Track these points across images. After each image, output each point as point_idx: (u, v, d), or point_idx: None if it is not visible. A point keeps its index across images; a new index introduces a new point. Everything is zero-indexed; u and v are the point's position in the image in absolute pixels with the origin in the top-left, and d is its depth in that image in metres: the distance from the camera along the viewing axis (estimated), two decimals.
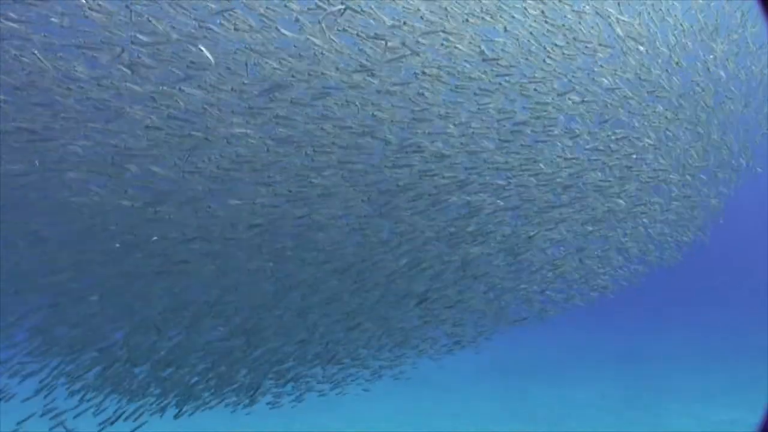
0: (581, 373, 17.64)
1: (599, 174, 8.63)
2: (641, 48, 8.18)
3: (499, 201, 7.87)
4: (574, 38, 7.69)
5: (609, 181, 8.59)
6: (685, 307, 36.35)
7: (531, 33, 7.46)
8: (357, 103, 6.94)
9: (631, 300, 35.18)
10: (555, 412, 13.13)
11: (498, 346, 22.30)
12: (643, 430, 11.61)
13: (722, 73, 9.24)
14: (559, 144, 8.21)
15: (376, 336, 7.96)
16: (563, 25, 7.61)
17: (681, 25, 8.47)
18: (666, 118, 8.82)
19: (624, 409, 13.30)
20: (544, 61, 7.67)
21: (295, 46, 6.67)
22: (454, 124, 7.41)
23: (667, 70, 8.62)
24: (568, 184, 8.27)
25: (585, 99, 8.09)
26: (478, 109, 7.54)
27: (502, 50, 7.47)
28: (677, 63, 8.46)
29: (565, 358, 20.41)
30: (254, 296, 7.15)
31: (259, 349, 7.33)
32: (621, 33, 8.05)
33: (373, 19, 6.68)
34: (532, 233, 8.17)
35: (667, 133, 9.11)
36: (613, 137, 8.54)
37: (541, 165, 7.99)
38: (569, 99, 7.97)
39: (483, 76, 7.40)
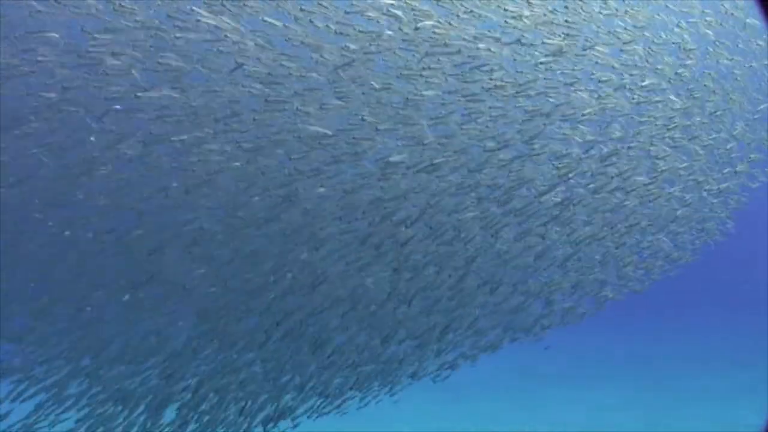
0: (603, 375, 17.53)
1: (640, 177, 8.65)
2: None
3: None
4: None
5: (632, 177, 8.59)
6: (707, 308, 35.93)
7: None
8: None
9: (651, 301, 34.83)
10: (576, 415, 13.08)
11: (518, 348, 22.21)
12: None
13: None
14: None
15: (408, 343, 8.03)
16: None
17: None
18: (681, 109, 8.76)
19: (647, 412, 13.21)
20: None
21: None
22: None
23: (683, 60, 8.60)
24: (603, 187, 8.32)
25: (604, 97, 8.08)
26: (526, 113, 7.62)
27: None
28: (688, 50, 8.42)
29: (587, 361, 20.29)
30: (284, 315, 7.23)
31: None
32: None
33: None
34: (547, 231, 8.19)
35: (687, 124, 9.07)
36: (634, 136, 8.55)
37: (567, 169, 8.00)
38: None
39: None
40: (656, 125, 8.70)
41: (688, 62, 8.69)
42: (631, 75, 8.27)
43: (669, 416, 12.76)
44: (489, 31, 7.29)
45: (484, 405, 14.21)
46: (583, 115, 7.88)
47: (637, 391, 15.40)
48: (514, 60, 7.53)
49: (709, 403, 13.74)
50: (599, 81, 8.01)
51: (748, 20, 8.94)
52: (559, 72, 7.79)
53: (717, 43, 8.96)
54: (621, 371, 18.19)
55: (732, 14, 8.77)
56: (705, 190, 9.94)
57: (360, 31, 6.68)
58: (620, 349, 22.61)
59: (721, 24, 8.79)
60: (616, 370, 18.49)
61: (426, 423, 12.70)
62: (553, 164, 7.95)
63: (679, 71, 8.64)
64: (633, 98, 8.34)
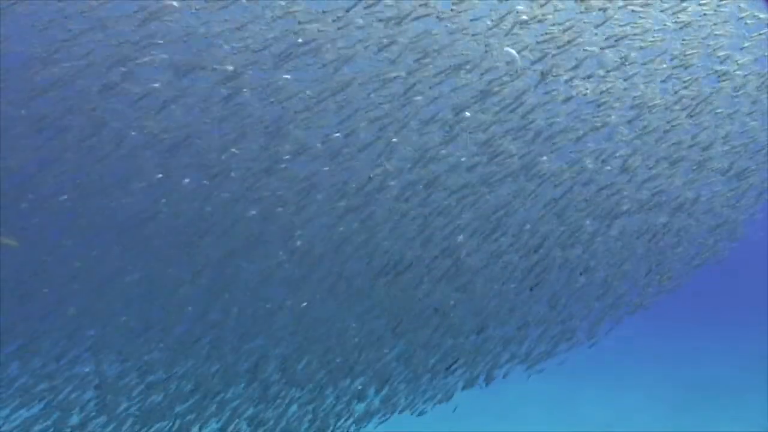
0: (629, 374, 17.46)
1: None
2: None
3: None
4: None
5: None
6: (740, 307, 35.33)
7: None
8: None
9: (681, 299, 34.38)
10: (602, 415, 13.09)
11: None
12: None
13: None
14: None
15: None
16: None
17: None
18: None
19: (674, 413, 13.18)
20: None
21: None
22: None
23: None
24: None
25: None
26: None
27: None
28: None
29: (613, 359, 20.20)
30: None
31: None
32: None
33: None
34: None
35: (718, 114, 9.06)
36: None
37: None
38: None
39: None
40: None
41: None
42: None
43: (701, 417, 12.68)
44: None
45: (513, 405, 14.30)
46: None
47: (666, 391, 15.32)
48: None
49: (744, 405, 13.62)
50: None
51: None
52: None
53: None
54: (652, 369, 18.09)
55: None
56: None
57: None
58: (654, 346, 22.45)
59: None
60: (647, 368, 18.39)
61: (454, 422, 12.85)
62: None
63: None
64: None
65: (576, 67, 7.58)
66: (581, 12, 7.29)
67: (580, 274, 8.22)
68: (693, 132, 9.03)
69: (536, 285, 7.97)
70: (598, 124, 7.99)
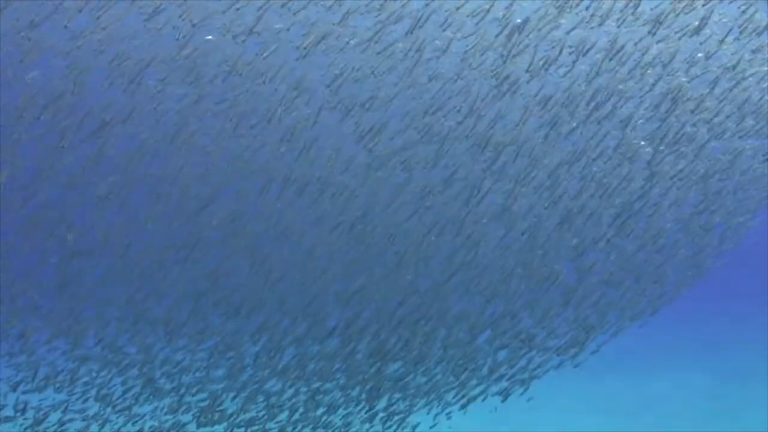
0: (659, 363, 17.33)
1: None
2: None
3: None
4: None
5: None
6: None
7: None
8: None
9: (711, 287, 33.85)
10: (631, 404, 13.04)
11: None
12: (725, 425, 11.37)
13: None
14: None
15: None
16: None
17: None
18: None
19: (705, 402, 13.07)
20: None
21: None
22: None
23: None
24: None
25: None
26: None
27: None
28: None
29: (642, 348, 20.05)
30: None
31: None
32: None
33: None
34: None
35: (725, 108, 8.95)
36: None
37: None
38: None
39: None
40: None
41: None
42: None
43: (732, 405, 12.56)
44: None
45: (542, 394, 14.31)
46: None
47: (697, 380, 15.18)
48: None
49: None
50: None
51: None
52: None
53: None
54: (682, 358, 17.92)
55: None
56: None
57: None
58: (685, 334, 22.22)
59: None
60: (677, 356, 18.23)
61: (482, 413, 12.93)
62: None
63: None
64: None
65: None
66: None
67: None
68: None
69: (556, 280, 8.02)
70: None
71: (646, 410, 12.50)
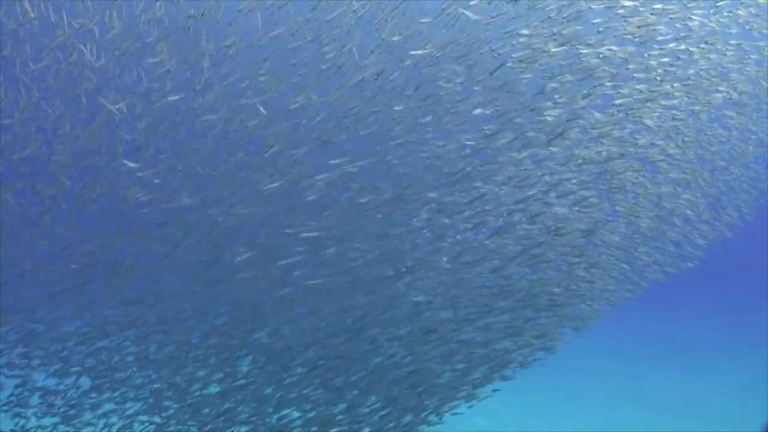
0: (699, 355, 16.77)
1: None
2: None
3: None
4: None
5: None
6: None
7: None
8: None
9: (756, 277, 32.73)
10: (669, 397, 12.65)
11: (608, 326, 21.55)
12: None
13: None
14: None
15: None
16: None
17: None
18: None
19: (746, 397, 12.58)
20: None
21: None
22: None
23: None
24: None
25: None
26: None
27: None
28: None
29: (681, 339, 19.43)
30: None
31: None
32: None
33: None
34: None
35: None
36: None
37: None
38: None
39: None
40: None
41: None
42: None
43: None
44: None
45: (578, 386, 13.97)
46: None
47: (739, 374, 14.66)
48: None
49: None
50: None
51: None
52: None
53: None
54: (724, 351, 17.34)
55: None
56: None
57: None
58: (728, 326, 21.47)
59: None
60: (718, 349, 17.63)
61: (517, 403, 12.65)
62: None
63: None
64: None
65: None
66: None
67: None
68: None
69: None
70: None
71: (684, 404, 12.09)
